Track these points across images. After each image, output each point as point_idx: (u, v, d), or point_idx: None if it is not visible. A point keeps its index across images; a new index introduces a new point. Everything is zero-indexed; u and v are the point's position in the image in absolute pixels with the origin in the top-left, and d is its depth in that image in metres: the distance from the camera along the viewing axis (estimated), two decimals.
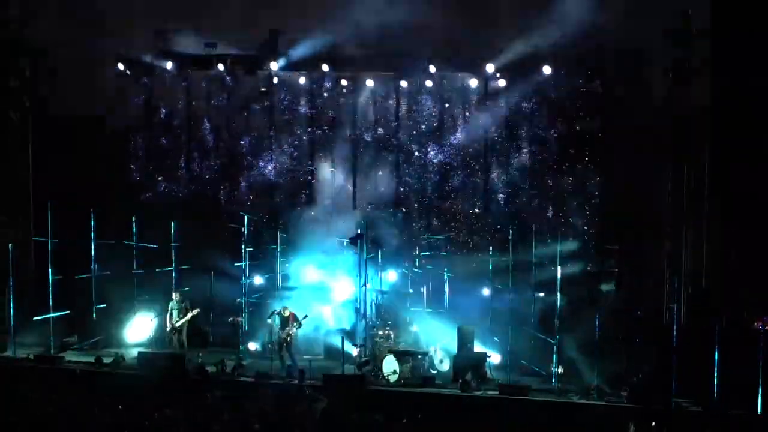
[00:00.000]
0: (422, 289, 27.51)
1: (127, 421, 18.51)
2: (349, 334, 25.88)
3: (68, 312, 27.16)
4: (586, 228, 27.02)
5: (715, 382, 21.34)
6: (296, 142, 29.52)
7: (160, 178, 29.82)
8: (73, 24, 27.40)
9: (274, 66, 28.52)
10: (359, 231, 26.52)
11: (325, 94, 29.23)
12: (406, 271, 27.84)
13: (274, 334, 25.56)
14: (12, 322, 26.48)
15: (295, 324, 25.38)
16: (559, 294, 24.14)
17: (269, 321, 25.78)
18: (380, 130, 29.08)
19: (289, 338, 25.31)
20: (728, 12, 23.59)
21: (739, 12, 23.44)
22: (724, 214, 23.63)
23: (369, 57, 27.94)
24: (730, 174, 23.49)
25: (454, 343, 25.24)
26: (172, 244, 28.23)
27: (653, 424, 19.35)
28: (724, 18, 23.66)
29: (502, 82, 27.76)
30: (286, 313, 25.48)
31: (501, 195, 28.10)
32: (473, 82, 28.05)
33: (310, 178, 29.61)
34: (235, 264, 27.82)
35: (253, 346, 27.22)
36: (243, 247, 27.70)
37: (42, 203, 27.46)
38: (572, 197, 27.21)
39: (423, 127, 28.71)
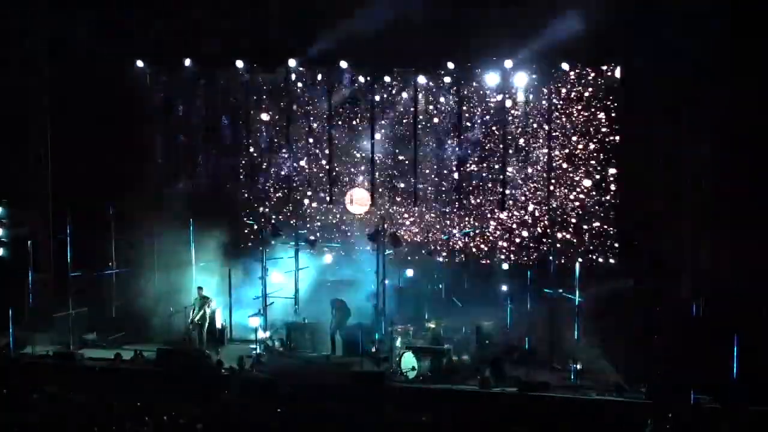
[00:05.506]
0: (440, 286, 27.52)
1: (145, 417, 18.60)
2: (367, 330, 25.87)
3: (86, 309, 27.25)
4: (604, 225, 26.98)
5: (734, 379, 21.26)
6: (314, 139, 29.57)
7: (178, 176, 29.89)
8: (93, 22, 27.47)
9: (291, 63, 28.50)
10: (377, 228, 26.55)
11: (344, 91, 29.21)
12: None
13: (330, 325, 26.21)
14: (31, 319, 26.61)
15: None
16: (578, 291, 24.11)
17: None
18: (399, 126, 29.05)
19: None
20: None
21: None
22: (743, 209, 23.53)
23: (386, 53, 27.85)
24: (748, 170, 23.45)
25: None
26: (191, 241, 28.31)
27: (672, 420, 19.29)
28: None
29: (520, 78, 27.65)
30: (338, 304, 25.90)
31: (517, 191, 27.99)
32: (491, 78, 27.96)
33: (328, 173, 29.60)
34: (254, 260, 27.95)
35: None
36: (261, 242, 27.85)
37: (61, 200, 27.58)
38: (590, 195, 27.10)
39: (440, 123, 28.64)
